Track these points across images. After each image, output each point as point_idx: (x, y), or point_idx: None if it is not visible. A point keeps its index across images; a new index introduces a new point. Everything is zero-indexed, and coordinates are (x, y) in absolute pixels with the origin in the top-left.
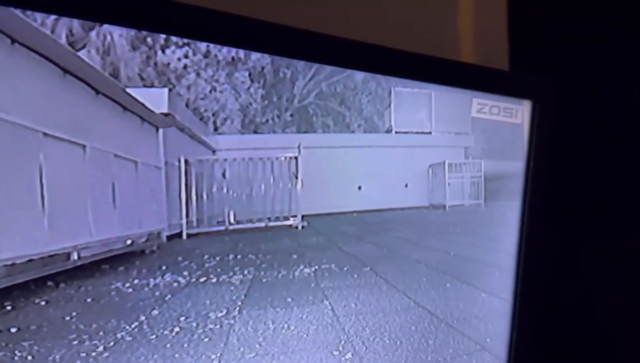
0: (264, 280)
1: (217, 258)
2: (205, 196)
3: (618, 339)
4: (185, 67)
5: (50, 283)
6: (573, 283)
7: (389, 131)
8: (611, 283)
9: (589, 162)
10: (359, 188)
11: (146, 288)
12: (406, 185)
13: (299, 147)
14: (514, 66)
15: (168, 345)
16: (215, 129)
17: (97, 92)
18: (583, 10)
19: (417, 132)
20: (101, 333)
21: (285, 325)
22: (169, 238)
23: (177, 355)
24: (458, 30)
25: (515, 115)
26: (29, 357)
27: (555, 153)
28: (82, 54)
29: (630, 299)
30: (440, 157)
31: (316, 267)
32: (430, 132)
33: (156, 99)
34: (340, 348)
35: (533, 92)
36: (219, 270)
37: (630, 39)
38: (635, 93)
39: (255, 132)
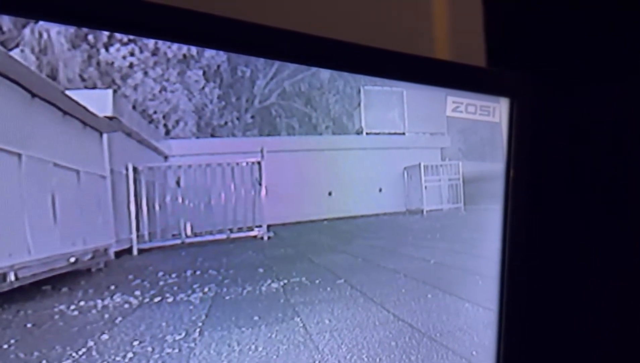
0: (227, 297)
1: (173, 275)
2: (157, 207)
3: (610, 346)
4: (131, 65)
5: None
6: (562, 288)
7: (359, 132)
8: (603, 285)
9: (572, 160)
10: (329, 193)
11: (94, 311)
12: (380, 190)
13: (261, 151)
14: (491, 63)
15: None
16: (167, 133)
17: (33, 95)
18: (559, 4)
19: (389, 133)
20: (44, 361)
21: (253, 346)
22: (118, 254)
23: None
24: (432, 27)
25: (492, 113)
26: None
27: (536, 152)
28: (14, 53)
29: (622, 302)
30: (415, 159)
31: (285, 281)
32: (403, 133)
33: (99, 102)
34: None
35: (511, 89)
36: (175, 288)
37: (608, 32)
38: (615, 88)
39: (212, 135)
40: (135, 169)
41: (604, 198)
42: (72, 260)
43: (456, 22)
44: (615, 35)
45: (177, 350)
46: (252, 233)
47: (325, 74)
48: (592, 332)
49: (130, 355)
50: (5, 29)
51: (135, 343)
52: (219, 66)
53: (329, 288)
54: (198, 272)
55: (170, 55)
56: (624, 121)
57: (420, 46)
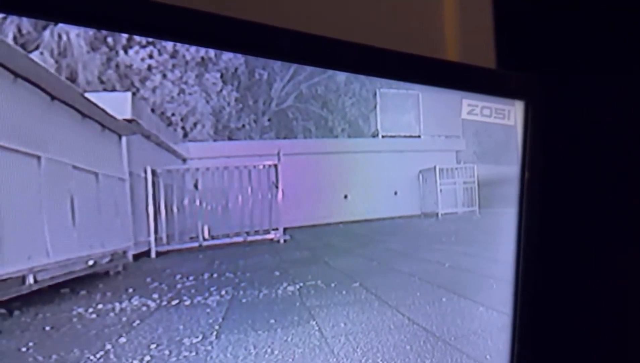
0: (244, 301)
1: (191, 278)
2: (175, 210)
3: (627, 351)
4: (149, 68)
5: (2, 310)
6: (577, 292)
7: (375, 135)
8: (620, 290)
9: (587, 163)
10: (345, 196)
11: (112, 314)
12: (395, 193)
13: (278, 154)
14: (500, 65)
15: None
16: (185, 135)
17: (53, 97)
18: (568, 5)
19: (405, 136)
20: None
21: (269, 350)
22: (136, 257)
23: None
24: (444, 29)
25: (507, 116)
26: None
27: (552, 155)
28: (34, 55)
29: (635, 307)
30: (430, 162)
31: (301, 284)
32: (419, 136)
33: (118, 104)
34: None
35: (526, 92)
36: (193, 291)
37: (622, 32)
38: (632, 89)
39: (229, 138)
40: (154, 172)
41: (621, 200)
42: (91, 262)
43: (466, 23)
44: (629, 35)
45: (194, 353)
46: (268, 236)
47: (341, 76)
48: (608, 337)
49: (147, 358)
50: (24, 31)
51: (153, 346)
52: (236, 69)
53: (344, 292)
54: (215, 275)
55: (188, 57)
56: None
57: (430, 47)
